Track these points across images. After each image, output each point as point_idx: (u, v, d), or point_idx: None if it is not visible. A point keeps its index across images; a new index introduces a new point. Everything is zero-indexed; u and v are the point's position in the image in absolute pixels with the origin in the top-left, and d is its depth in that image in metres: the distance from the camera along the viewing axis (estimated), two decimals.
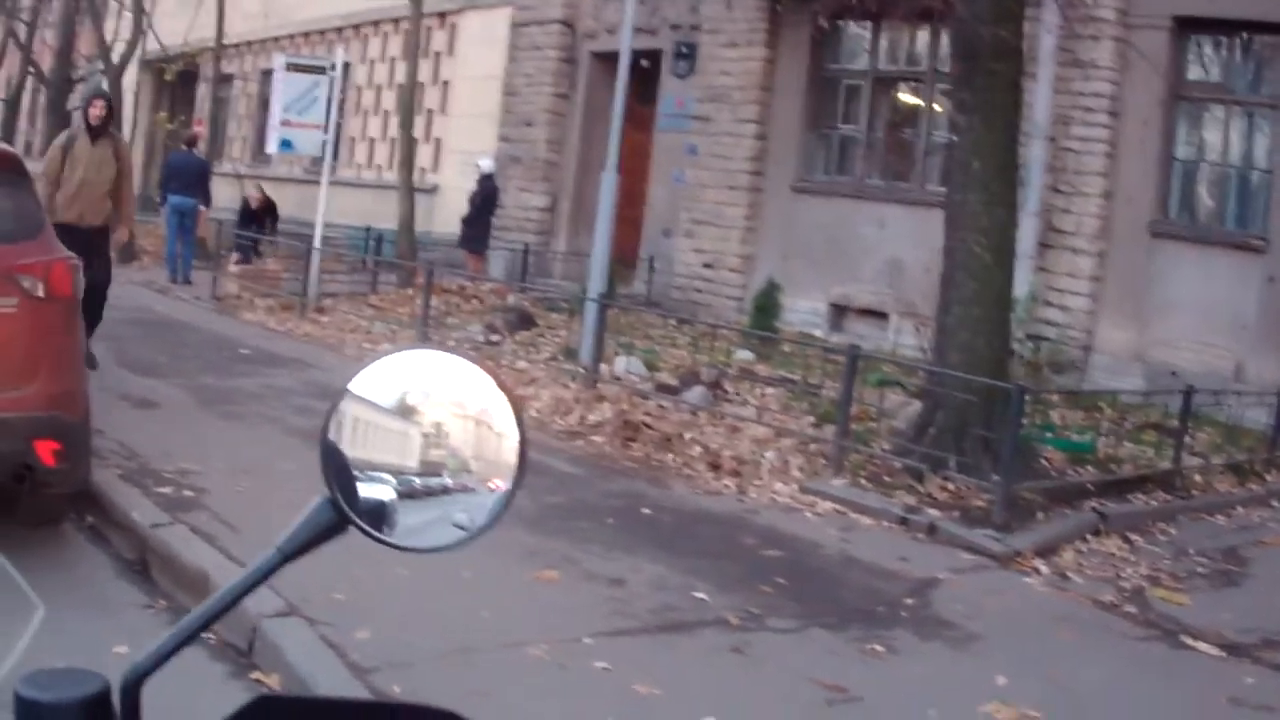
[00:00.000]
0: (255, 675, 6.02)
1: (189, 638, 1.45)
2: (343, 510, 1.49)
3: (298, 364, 13.93)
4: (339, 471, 1.52)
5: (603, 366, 12.92)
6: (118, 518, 7.74)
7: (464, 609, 6.63)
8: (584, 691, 5.97)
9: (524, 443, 1.55)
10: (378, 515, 1.52)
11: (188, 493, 8.18)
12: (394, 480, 1.52)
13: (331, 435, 1.55)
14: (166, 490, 8.13)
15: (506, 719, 5.56)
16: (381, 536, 1.53)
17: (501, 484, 1.55)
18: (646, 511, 8.85)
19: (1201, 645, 7.22)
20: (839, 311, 17.94)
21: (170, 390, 10.88)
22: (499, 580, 7.05)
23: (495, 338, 15.66)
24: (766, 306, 17.83)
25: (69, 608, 6.27)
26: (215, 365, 13.10)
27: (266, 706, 1.51)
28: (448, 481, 1.53)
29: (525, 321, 16.50)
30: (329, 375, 13.08)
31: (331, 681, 5.76)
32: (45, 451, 6.80)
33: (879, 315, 17.28)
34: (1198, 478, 11.11)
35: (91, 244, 11.51)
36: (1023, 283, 13.50)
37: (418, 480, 1.53)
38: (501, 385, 1.56)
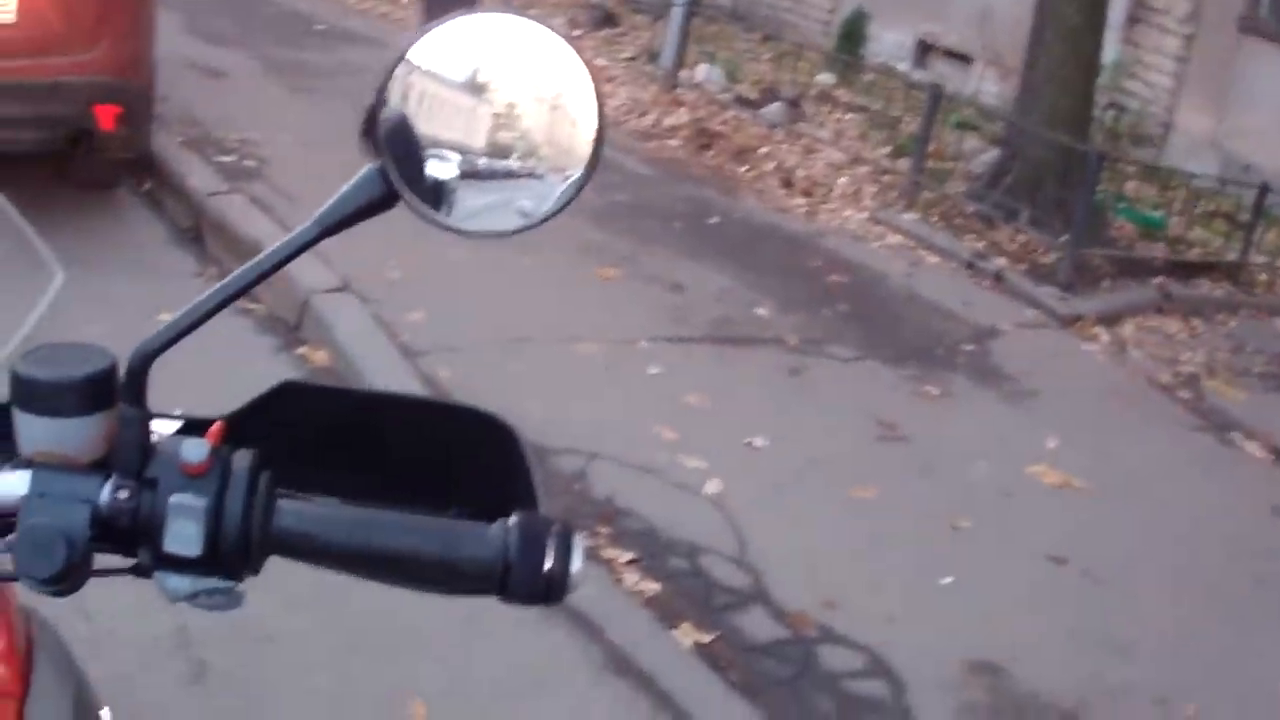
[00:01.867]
0: (302, 350, 5.75)
1: (207, 314, 1.20)
2: (392, 182, 1.23)
3: (373, 43, 13.17)
4: (394, 142, 1.26)
5: (683, 73, 12.33)
6: (175, 185, 7.31)
7: (520, 298, 6.33)
8: (633, 394, 5.68)
9: (602, 131, 1.28)
10: (434, 193, 1.28)
11: (249, 163, 7.71)
12: (457, 158, 1.28)
13: (392, 102, 1.28)
14: (227, 159, 7.66)
15: (552, 413, 5.27)
16: (434, 215, 1.26)
17: (572, 173, 1.29)
18: (714, 221, 8.39)
19: (1250, 446, 6.82)
20: (924, 49, 17.26)
21: (240, 60, 10.15)
22: (558, 273, 6.72)
23: (577, 33, 14.91)
24: (853, 34, 17.10)
25: (119, 273, 5.97)
26: (288, 38, 12.41)
27: (290, 392, 1.28)
28: (515, 165, 1.29)
29: (608, 20, 15.82)
30: None
31: (379, 361, 5.54)
32: (105, 116, 6.40)
33: (964, 59, 16.58)
34: (1263, 276, 10.61)
35: None
36: (1110, 52, 12.89)
37: (482, 162, 1.29)
38: (587, 64, 1.28)
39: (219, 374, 5.19)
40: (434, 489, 1.27)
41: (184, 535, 1.10)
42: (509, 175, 1.29)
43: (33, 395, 1.13)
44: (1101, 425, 6.56)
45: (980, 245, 8.80)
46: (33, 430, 1.13)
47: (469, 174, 1.28)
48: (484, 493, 1.24)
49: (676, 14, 12.37)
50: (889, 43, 17.04)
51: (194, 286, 6.09)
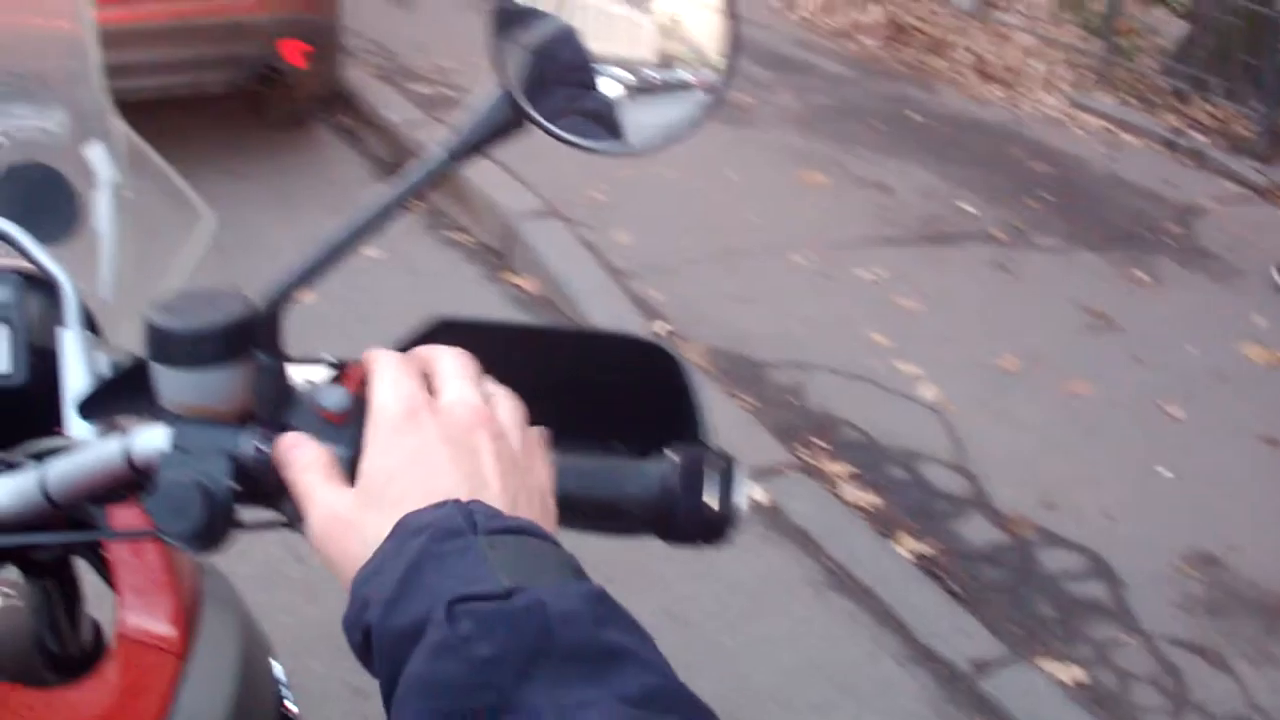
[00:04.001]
0: (511, 278, 5.51)
1: (338, 251, 1.03)
2: (520, 106, 1.06)
3: None
4: (540, 58, 1.11)
5: None
6: (371, 118, 6.95)
7: (728, 212, 6.05)
8: (846, 301, 5.43)
9: (736, 36, 1.10)
10: (595, 113, 1.13)
11: (445, 90, 7.29)
12: (626, 75, 1.13)
13: (543, 13, 1.12)
14: (423, 88, 7.29)
15: (766, 327, 5.07)
16: (562, 134, 1.07)
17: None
18: (915, 117, 7.98)
19: None
20: None
21: None
22: (765, 183, 6.44)
23: None
24: None
25: (320, 210, 5.83)
26: None
27: (444, 328, 1.12)
28: (688, 76, 1.13)
29: None
30: None
31: (589, 285, 5.29)
32: (292, 53, 6.11)
33: None
34: None
35: None
36: None
37: (656, 75, 1.14)
38: None
39: (430, 307, 5.07)
40: (593, 424, 1.12)
41: None
42: (683, 87, 1.13)
43: (167, 347, 1.01)
44: None
45: (1177, 121, 8.30)
46: (170, 382, 1.02)
47: (639, 89, 1.13)
48: (646, 426, 1.09)
49: None
50: None
51: (397, 219, 5.98)
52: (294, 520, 0.99)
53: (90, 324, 1.28)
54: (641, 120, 1.13)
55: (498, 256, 5.68)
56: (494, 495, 0.85)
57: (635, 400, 1.12)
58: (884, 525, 4.10)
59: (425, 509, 0.80)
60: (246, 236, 5.25)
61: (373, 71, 7.43)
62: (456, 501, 0.81)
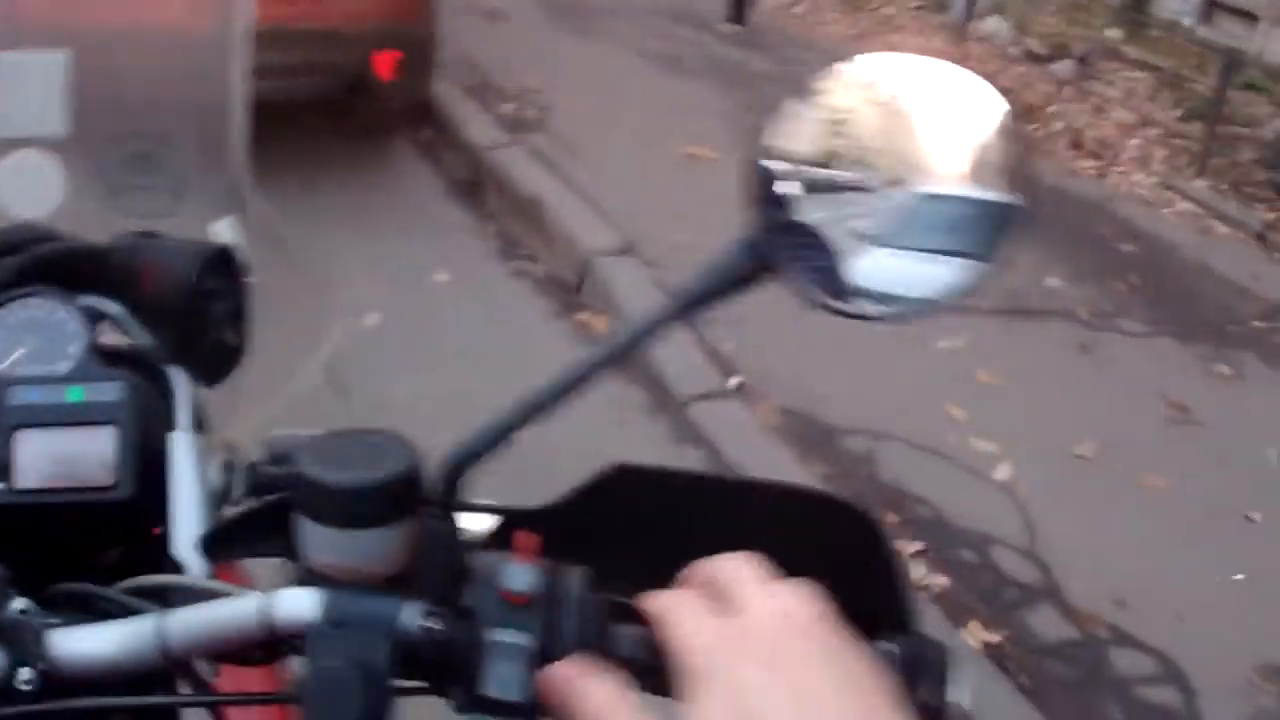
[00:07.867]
0: (581, 316, 5.41)
1: (532, 414, 0.93)
2: (767, 258, 0.96)
3: None
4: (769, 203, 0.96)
5: (971, 24, 11.73)
6: (453, 135, 6.88)
7: None
8: (923, 371, 5.32)
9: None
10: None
11: (529, 112, 7.20)
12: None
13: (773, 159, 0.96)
14: (507, 108, 7.19)
15: (841, 390, 4.97)
16: (830, 303, 0.95)
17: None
18: None
19: None
20: (1210, 5, 16.28)
21: (522, 2, 9.52)
22: None
23: None
24: None
25: (394, 229, 5.77)
26: None
27: (617, 477, 0.97)
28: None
29: None
30: None
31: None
32: (384, 64, 6.06)
33: (1250, 17, 15.59)
34: None
35: None
36: None
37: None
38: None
39: (494, 338, 5.00)
40: None
41: (508, 678, 0.84)
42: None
43: (321, 503, 0.86)
44: None
45: (1271, 216, 8.14)
46: (320, 540, 0.87)
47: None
48: (838, 597, 0.94)
49: None
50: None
51: (470, 244, 5.89)
52: (462, 707, 0.88)
53: (197, 420, 1.14)
54: (902, 272, 1.00)
55: (569, 292, 5.62)
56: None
57: (828, 566, 0.96)
58: (953, 610, 3.99)
59: None
60: (318, 254, 5.21)
61: (460, 88, 7.37)
62: None
